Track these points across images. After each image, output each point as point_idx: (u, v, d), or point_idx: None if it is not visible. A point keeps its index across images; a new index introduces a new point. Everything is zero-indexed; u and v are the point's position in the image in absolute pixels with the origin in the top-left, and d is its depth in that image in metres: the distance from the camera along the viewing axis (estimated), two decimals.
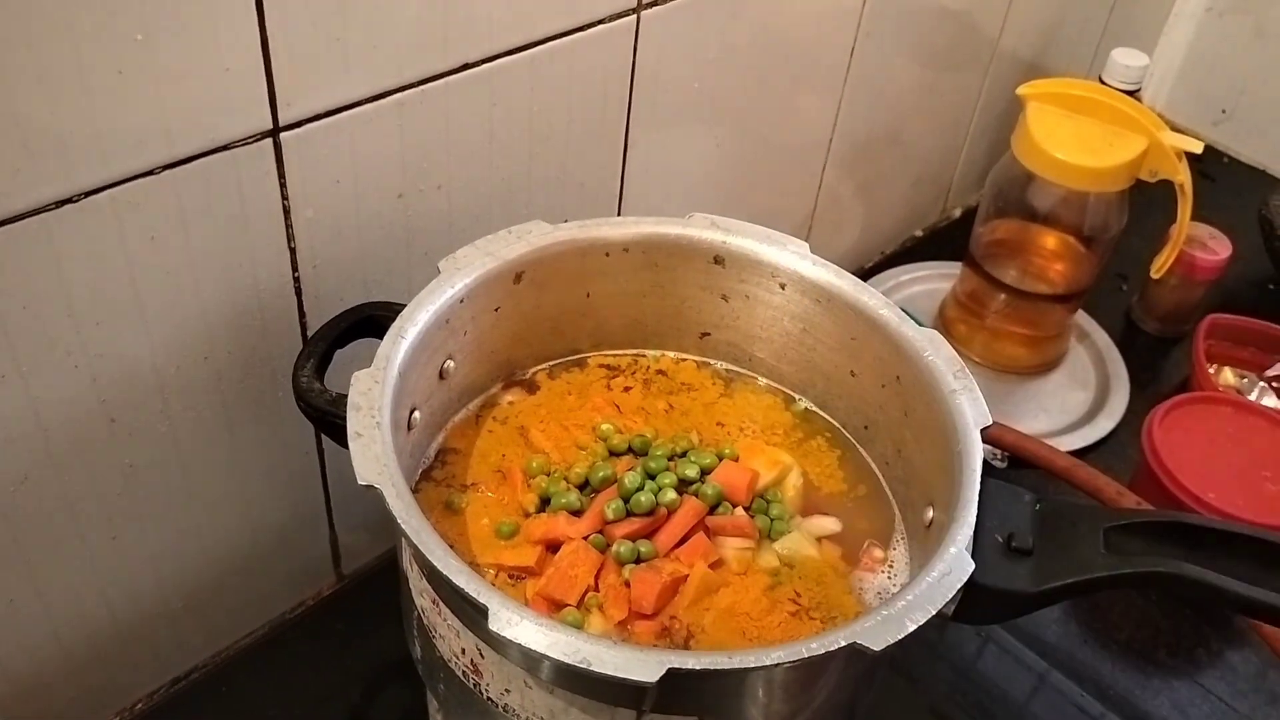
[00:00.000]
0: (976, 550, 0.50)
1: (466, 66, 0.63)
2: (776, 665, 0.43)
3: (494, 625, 0.43)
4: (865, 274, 1.08)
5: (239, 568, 0.71)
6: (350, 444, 0.49)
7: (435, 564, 0.45)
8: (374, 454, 0.48)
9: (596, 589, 0.54)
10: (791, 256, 0.62)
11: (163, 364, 0.60)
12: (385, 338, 0.54)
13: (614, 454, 0.61)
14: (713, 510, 0.58)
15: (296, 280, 0.63)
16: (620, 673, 0.42)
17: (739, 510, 0.58)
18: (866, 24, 0.89)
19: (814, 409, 0.66)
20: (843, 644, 0.44)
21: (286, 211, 0.60)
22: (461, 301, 0.58)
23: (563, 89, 0.70)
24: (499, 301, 0.60)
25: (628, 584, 0.54)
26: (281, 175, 0.58)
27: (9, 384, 0.54)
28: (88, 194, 0.52)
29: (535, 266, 0.61)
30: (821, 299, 0.62)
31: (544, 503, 0.58)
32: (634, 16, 0.71)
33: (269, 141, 0.57)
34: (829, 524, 0.60)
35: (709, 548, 0.56)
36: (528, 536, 0.56)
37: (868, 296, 0.60)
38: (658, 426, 0.64)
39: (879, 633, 0.44)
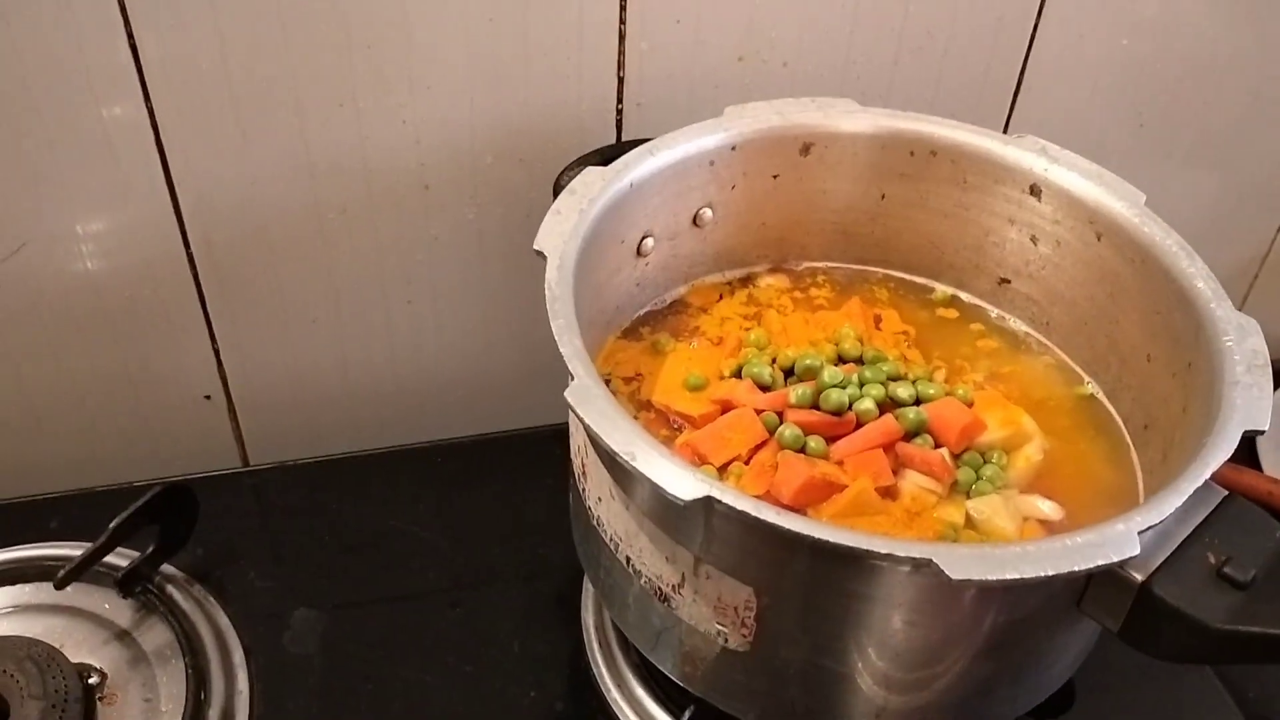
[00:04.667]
0: (1172, 560, 0.40)
1: None
2: (827, 543, 0.37)
3: (569, 394, 0.42)
4: None
5: (510, 373, 0.75)
6: (546, 217, 0.50)
7: (555, 328, 0.44)
8: (561, 230, 0.49)
9: (747, 463, 0.50)
10: (1120, 204, 0.53)
11: (480, 149, 0.65)
12: (633, 150, 0.54)
13: (843, 360, 0.56)
14: (909, 439, 0.51)
15: (619, 113, 0.65)
16: (657, 478, 0.39)
17: (942, 450, 0.51)
18: None
19: (1099, 397, 0.55)
20: (914, 555, 0.37)
21: (622, 36, 0.62)
22: (734, 149, 0.56)
23: None
24: (779, 169, 0.58)
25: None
26: None
27: (345, 113, 0.61)
28: None
29: (827, 142, 0.57)
30: (1136, 258, 0.52)
31: (741, 371, 0.55)
32: None
33: None
34: (1046, 508, 0.50)
35: (883, 469, 0.50)
36: (710, 394, 0.54)
37: (1187, 262, 0.49)
38: (907, 355, 0.57)
39: (966, 563, 0.36)
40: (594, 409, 0.41)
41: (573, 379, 0.42)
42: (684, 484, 0.38)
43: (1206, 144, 0.77)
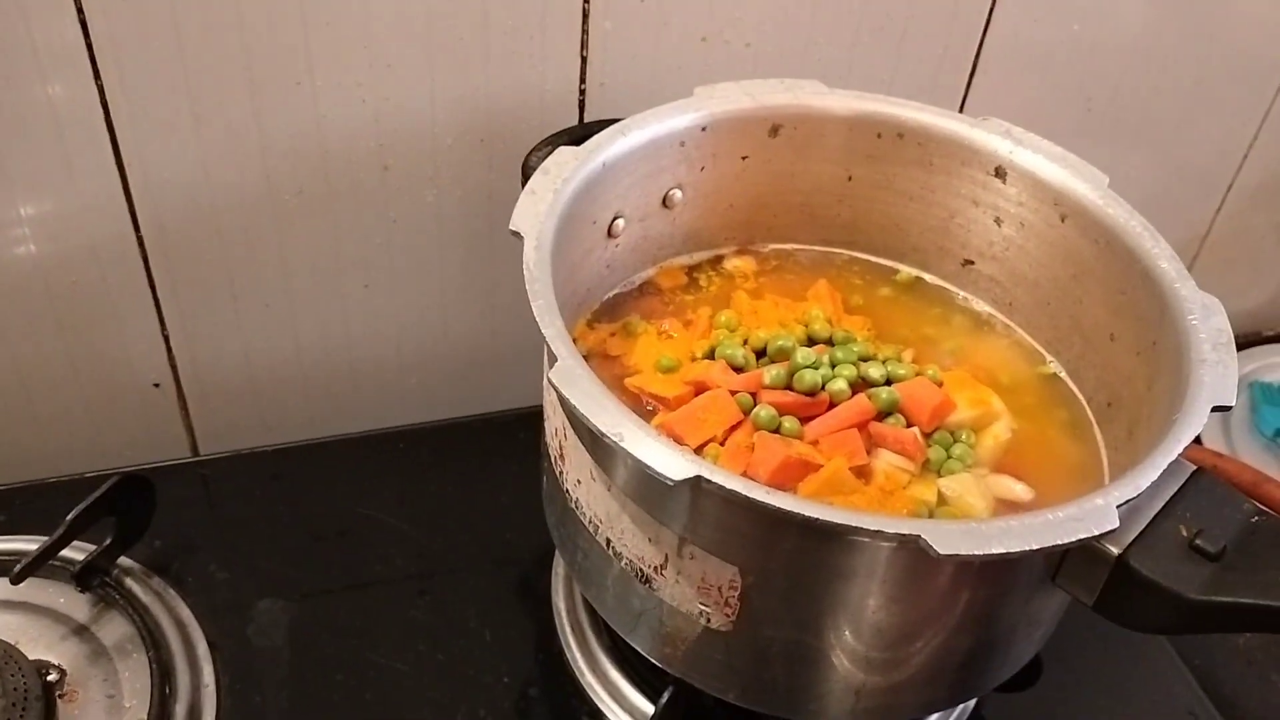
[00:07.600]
0: (1146, 534, 0.41)
1: None
2: (818, 520, 0.37)
3: (554, 375, 0.41)
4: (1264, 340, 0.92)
5: (471, 358, 0.74)
6: (520, 197, 0.49)
7: (535, 309, 0.44)
8: (536, 210, 0.48)
9: (722, 444, 0.50)
10: (1083, 185, 0.54)
11: (441, 131, 0.64)
12: (606, 130, 0.53)
13: (812, 341, 0.56)
14: (882, 419, 0.52)
15: (582, 93, 0.65)
16: (646, 458, 0.39)
17: (914, 429, 0.51)
18: None
19: (1062, 376, 0.56)
20: (903, 531, 0.37)
21: (585, 15, 0.62)
22: (704, 130, 0.56)
23: None
24: (748, 150, 0.58)
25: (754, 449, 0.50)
26: None
27: (301, 92, 0.60)
28: None
29: (796, 124, 0.57)
30: (1101, 239, 0.53)
31: (714, 353, 0.55)
32: None
33: None
34: (1017, 489, 0.51)
35: (858, 449, 0.50)
36: (683, 376, 0.54)
37: (1151, 243, 0.50)
38: (875, 336, 0.58)
39: (952, 538, 0.37)
40: (579, 390, 0.41)
41: (556, 360, 0.42)
42: (673, 464, 0.38)
43: (1150, 128, 0.79)
